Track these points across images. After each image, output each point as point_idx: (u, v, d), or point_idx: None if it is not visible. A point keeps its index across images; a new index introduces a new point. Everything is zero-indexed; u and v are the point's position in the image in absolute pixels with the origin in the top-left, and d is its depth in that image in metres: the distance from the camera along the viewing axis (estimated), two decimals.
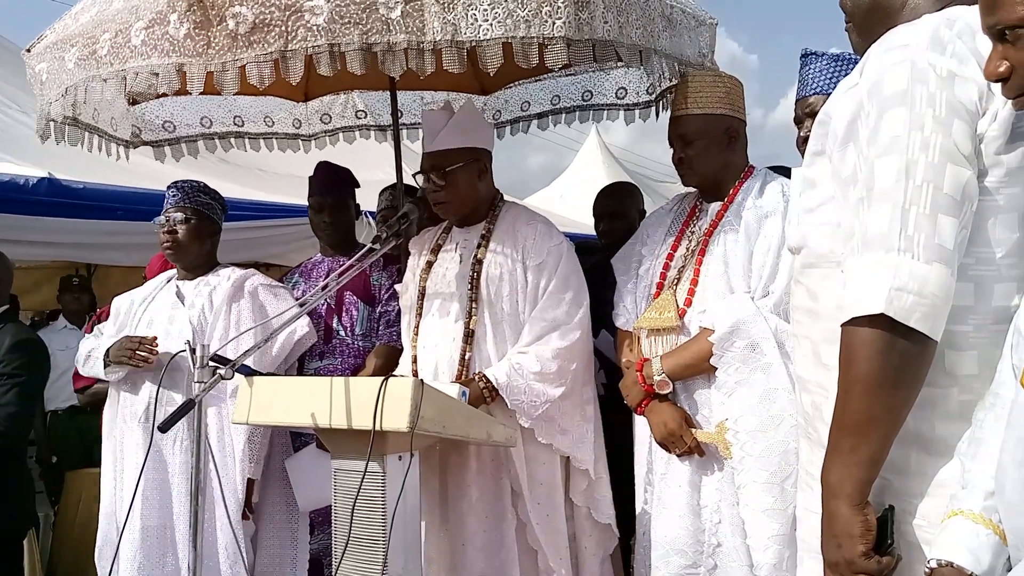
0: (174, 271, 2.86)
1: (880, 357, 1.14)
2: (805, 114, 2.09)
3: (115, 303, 2.90)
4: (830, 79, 2.04)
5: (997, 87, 1.14)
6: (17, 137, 4.33)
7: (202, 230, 2.76)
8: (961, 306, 1.19)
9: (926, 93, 1.18)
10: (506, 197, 2.54)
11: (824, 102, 1.41)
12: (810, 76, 2.12)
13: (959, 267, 1.17)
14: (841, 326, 1.20)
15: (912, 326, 1.13)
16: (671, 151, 2.32)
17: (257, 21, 1.98)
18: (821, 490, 1.23)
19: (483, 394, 2.21)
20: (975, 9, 1.14)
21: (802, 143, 2.10)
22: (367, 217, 4.25)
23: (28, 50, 2.61)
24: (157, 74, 2.07)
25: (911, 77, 1.19)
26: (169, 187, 2.82)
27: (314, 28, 1.98)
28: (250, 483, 2.59)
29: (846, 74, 1.97)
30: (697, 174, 2.27)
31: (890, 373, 1.15)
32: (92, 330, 3.21)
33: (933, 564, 1.11)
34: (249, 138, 3.36)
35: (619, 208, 3.39)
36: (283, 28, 1.98)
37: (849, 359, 1.18)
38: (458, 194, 2.37)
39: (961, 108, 1.17)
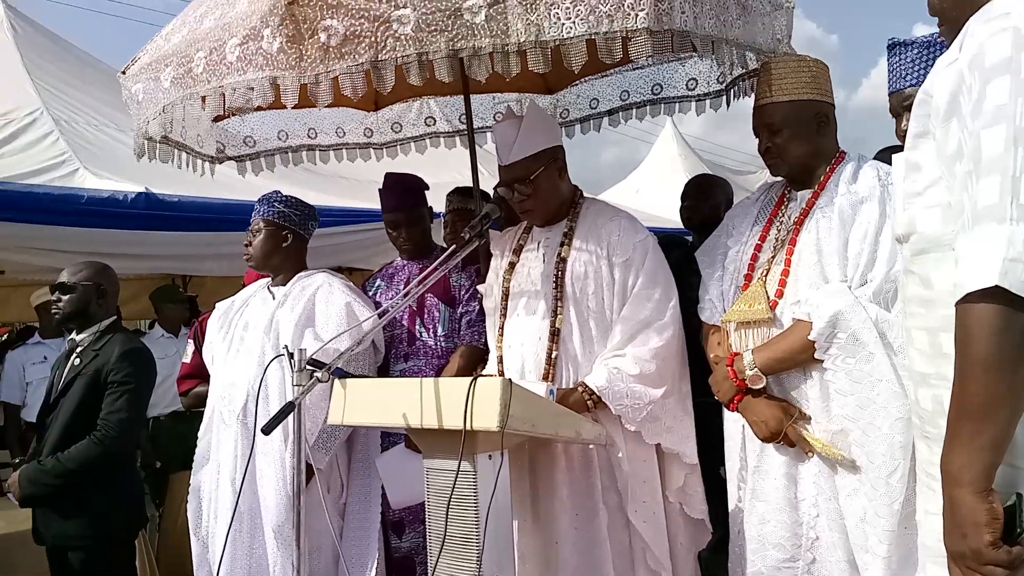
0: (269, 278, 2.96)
1: (999, 334, 1.10)
2: (904, 107, 2.00)
3: (218, 306, 3.02)
4: (925, 68, 1.96)
5: None
6: (115, 154, 4.55)
7: (275, 238, 2.84)
8: None
9: None
10: (585, 193, 2.54)
11: None
12: (903, 68, 2.04)
13: None
14: (955, 305, 1.15)
15: None
16: (755, 141, 2.26)
17: (348, 33, 2.03)
18: (941, 479, 1.18)
19: (585, 403, 2.22)
20: None
21: (904, 136, 2.03)
22: (444, 219, 4.30)
23: (123, 72, 2.74)
24: (253, 88, 2.14)
25: (1014, 44, 1.15)
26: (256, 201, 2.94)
27: (402, 37, 2.02)
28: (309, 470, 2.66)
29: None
30: (787, 163, 2.21)
31: (1010, 350, 1.10)
32: (194, 336, 3.37)
33: None
34: (321, 150, 3.45)
35: (704, 189, 3.52)
36: (373, 39, 2.02)
37: (966, 339, 1.14)
38: (544, 198, 2.39)
39: None
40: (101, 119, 4.97)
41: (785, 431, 2.05)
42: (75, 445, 2.82)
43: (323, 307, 2.74)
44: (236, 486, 2.62)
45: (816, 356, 1.99)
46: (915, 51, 2.02)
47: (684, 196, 3.69)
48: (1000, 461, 1.14)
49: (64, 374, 2.97)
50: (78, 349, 3.00)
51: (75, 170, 4.32)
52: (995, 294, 1.10)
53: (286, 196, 2.92)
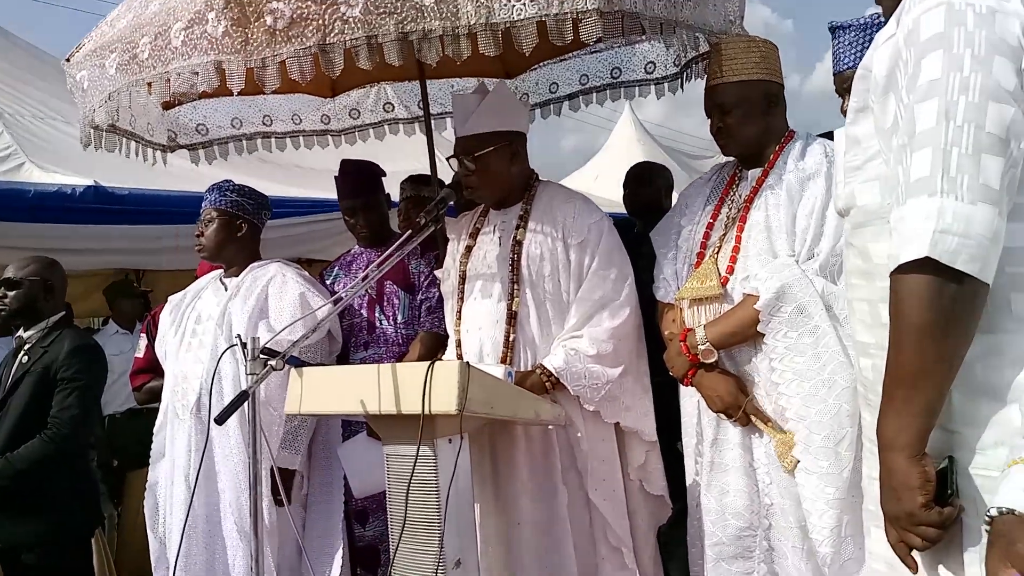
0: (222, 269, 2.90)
1: (930, 304, 1.13)
2: (845, 89, 2.05)
3: (170, 299, 2.97)
4: (862, 49, 2.01)
5: None
6: (62, 147, 4.45)
7: (228, 228, 2.77)
8: (1020, 247, 1.16)
9: (963, 33, 1.16)
10: (541, 177, 2.54)
11: None
12: (841, 50, 2.09)
13: (1015, 207, 1.15)
14: (889, 276, 1.18)
15: (959, 268, 1.11)
16: (708, 122, 2.29)
17: (295, 16, 1.99)
18: (877, 444, 1.21)
19: (544, 384, 2.22)
20: None
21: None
22: (399, 207, 4.27)
23: (68, 59, 2.66)
24: (197, 73, 2.09)
25: (947, 19, 1.17)
26: (206, 190, 2.87)
27: (351, 20, 1.98)
28: (291, 472, 2.62)
29: None
30: (738, 143, 2.24)
31: (940, 320, 1.13)
32: (147, 330, 3.31)
33: (994, 512, 1.09)
34: (277, 137, 3.39)
35: (644, 175, 3.74)
36: (320, 22, 1.99)
37: (899, 309, 1.17)
38: (490, 178, 2.37)
39: (1003, 44, 1.15)
40: (47, 111, 4.86)
41: (744, 407, 2.09)
42: (25, 444, 2.75)
43: (276, 298, 2.69)
44: (190, 481, 2.58)
45: (759, 329, 2.03)
46: (852, 34, 2.07)
47: (625, 184, 3.83)
48: (933, 426, 1.17)
49: (12, 372, 2.90)
50: (26, 346, 2.92)
51: (21, 164, 4.22)
52: (926, 265, 1.12)
53: (238, 185, 2.86)
